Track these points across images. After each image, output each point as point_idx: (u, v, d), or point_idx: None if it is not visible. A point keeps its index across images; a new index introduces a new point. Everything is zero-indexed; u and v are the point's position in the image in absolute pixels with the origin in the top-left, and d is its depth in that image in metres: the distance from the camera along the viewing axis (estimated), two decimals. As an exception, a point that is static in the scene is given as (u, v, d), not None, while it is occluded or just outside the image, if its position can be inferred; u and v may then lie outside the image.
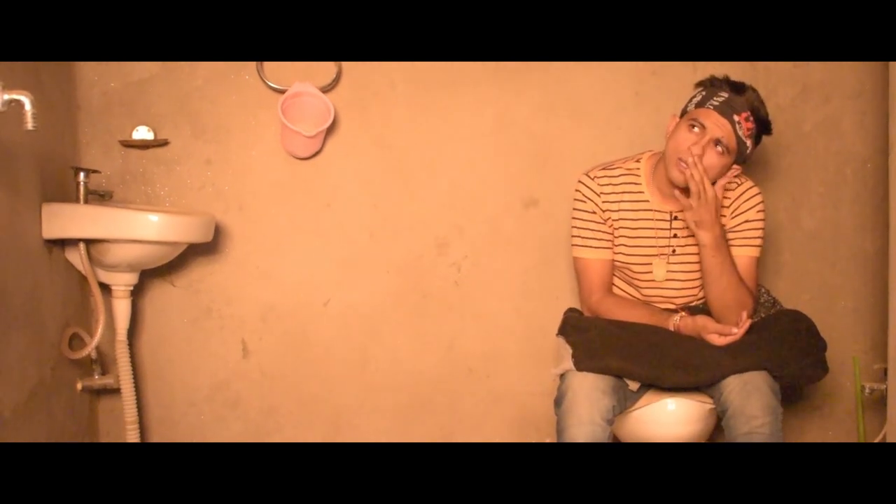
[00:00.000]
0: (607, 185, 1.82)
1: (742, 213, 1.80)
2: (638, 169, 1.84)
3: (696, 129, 1.68)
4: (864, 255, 2.22)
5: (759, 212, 1.80)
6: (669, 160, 1.72)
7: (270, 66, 2.11)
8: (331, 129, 2.13)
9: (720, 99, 1.68)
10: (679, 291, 1.85)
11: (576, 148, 2.20)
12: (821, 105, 2.21)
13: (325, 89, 2.11)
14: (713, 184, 1.68)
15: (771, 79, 2.21)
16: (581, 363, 1.64)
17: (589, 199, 1.83)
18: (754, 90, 1.71)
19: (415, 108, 2.18)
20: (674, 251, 1.82)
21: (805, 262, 2.24)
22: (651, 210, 1.81)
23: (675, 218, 1.80)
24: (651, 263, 1.83)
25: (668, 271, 1.82)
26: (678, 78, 2.21)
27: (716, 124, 1.66)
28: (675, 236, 1.81)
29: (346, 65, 2.14)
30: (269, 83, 2.10)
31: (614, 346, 1.66)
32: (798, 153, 2.22)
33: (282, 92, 2.07)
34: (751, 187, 1.82)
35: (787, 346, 1.65)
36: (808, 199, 2.22)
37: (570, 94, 2.19)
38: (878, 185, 2.17)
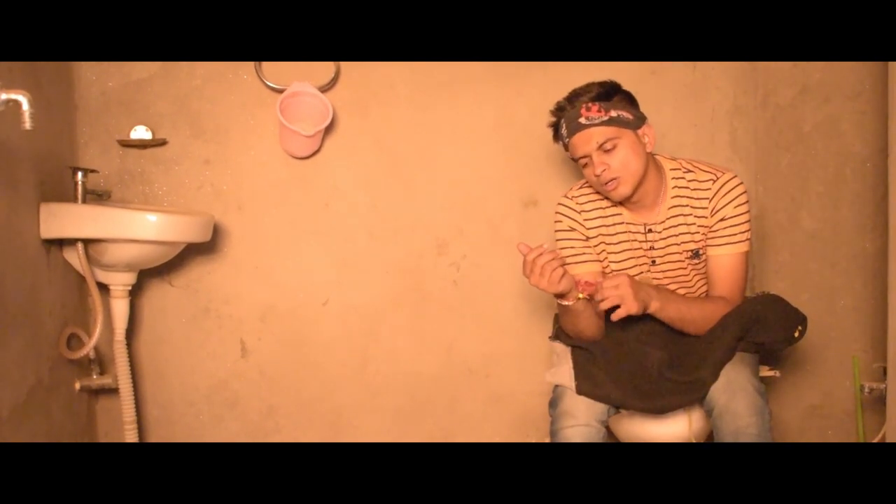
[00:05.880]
0: (587, 202, 1.80)
1: (719, 209, 1.71)
2: None
3: (587, 166, 1.70)
4: (863, 254, 2.22)
5: (738, 205, 1.69)
6: (597, 190, 1.75)
7: (269, 66, 2.11)
8: (329, 129, 2.13)
9: (565, 126, 1.69)
10: None
11: (575, 148, 2.20)
12: (821, 105, 2.21)
13: (324, 89, 2.11)
14: (646, 173, 1.68)
15: (771, 79, 2.21)
16: (582, 389, 1.65)
17: (568, 217, 1.81)
18: (575, 88, 1.70)
19: (414, 108, 2.18)
20: (654, 262, 1.79)
21: (805, 261, 2.23)
22: (625, 223, 1.78)
23: (650, 231, 1.76)
24: (640, 273, 1.81)
25: (653, 280, 1.81)
26: (678, 78, 2.21)
27: (584, 143, 1.67)
28: (651, 248, 1.78)
29: (344, 64, 2.14)
30: (268, 83, 2.10)
31: (613, 374, 1.66)
32: (798, 153, 2.22)
33: (280, 91, 2.06)
34: (729, 179, 1.71)
35: (759, 322, 1.64)
36: (808, 198, 2.22)
37: (570, 94, 2.19)
38: (878, 184, 2.17)
